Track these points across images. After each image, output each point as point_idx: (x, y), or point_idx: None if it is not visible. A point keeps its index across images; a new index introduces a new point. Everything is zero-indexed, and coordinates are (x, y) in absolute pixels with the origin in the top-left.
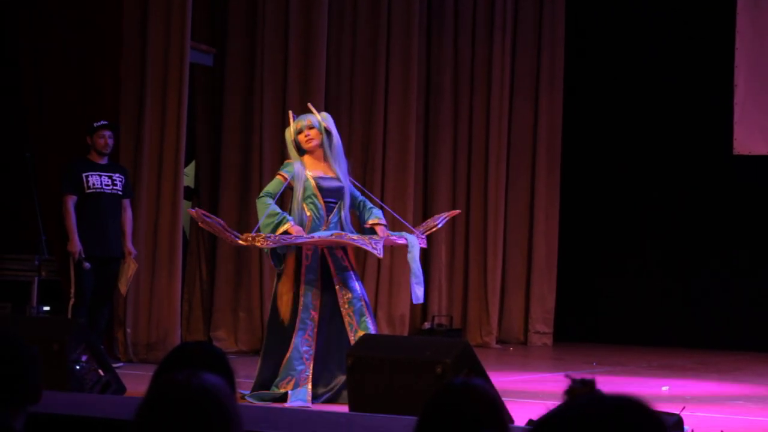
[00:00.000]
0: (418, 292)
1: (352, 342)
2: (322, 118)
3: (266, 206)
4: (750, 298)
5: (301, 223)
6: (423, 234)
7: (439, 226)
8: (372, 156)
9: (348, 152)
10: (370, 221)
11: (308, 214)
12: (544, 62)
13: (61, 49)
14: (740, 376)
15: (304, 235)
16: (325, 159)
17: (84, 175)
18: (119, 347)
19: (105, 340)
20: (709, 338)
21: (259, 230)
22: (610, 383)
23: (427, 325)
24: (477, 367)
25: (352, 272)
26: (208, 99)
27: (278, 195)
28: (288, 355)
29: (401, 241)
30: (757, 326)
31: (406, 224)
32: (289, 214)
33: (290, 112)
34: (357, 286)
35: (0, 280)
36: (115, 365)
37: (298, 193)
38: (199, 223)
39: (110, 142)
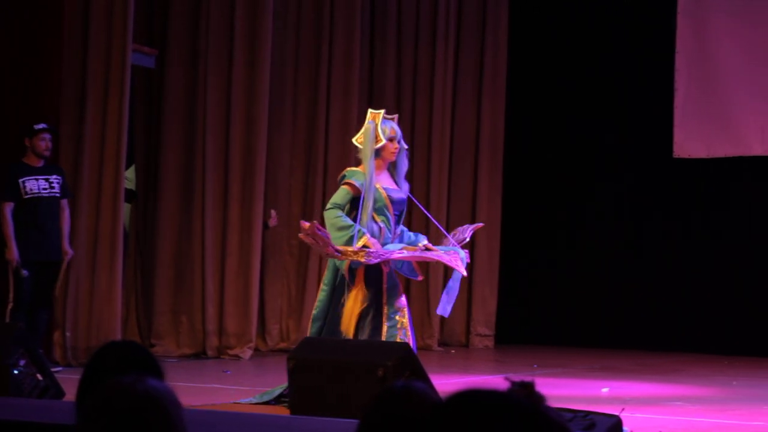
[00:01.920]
0: (448, 306)
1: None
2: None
3: (337, 218)
4: (690, 300)
5: (372, 236)
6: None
7: (468, 239)
8: (314, 158)
9: (291, 153)
10: (422, 244)
11: (380, 225)
12: (486, 65)
13: (0, 49)
14: (679, 377)
15: (399, 250)
16: (387, 171)
17: (21, 180)
18: (58, 351)
19: (44, 343)
20: (650, 340)
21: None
22: (550, 385)
23: None
24: (418, 370)
25: (400, 291)
26: (149, 101)
27: (345, 205)
28: None
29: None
30: (697, 328)
31: (448, 236)
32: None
33: (382, 111)
34: (402, 302)
35: None
36: (53, 369)
37: (369, 204)
38: (303, 235)
39: (50, 145)
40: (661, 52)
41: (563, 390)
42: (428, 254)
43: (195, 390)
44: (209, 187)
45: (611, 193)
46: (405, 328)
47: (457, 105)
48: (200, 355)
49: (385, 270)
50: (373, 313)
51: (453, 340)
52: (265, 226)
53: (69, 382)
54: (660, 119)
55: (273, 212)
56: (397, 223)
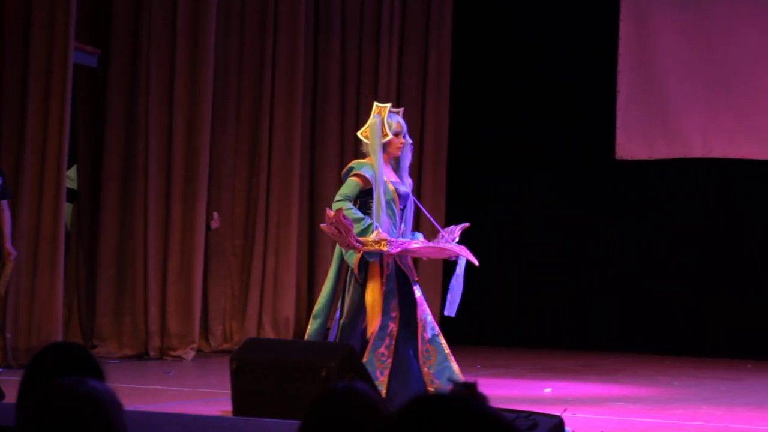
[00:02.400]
0: (454, 306)
1: (420, 351)
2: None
3: (348, 210)
4: (631, 301)
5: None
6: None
7: (457, 239)
8: (258, 157)
9: (234, 153)
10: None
11: (388, 220)
12: (430, 64)
13: None
14: (621, 377)
15: (418, 242)
16: (392, 164)
17: None
18: None
19: None
20: (592, 340)
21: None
22: (494, 386)
23: None
24: (362, 370)
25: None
26: (91, 100)
27: (354, 197)
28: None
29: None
30: (638, 328)
31: (441, 230)
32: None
33: (389, 105)
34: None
35: None
36: None
37: (381, 198)
38: (326, 225)
39: None
40: (604, 54)
41: (506, 390)
42: (445, 245)
43: (137, 391)
44: (152, 186)
45: (554, 194)
46: (392, 337)
47: (402, 103)
48: (143, 356)
49: (386, 272)
50: (406, 315)
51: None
52: (208, 227)
53: (9, 383)
54: (602, 121)
55: (215, 214)
56: (402, 217)
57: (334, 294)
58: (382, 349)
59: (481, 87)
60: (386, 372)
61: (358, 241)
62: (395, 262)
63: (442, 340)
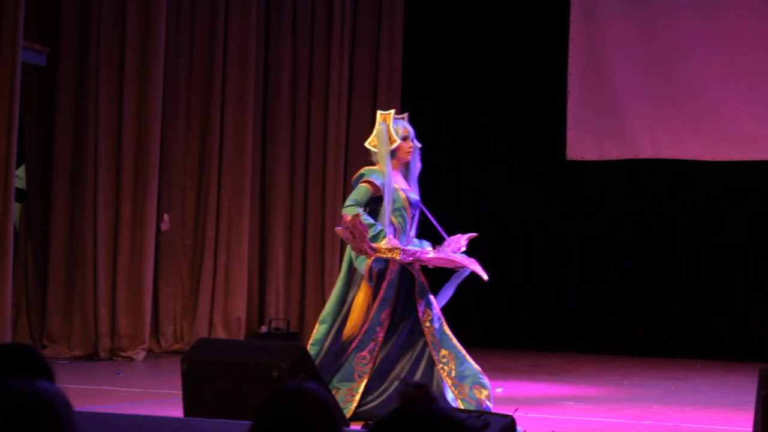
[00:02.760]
0: (443, 298)
1: (436, 360)
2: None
3: (357, 214)
4: (581, 301)
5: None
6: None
7: (463, 248)
8: (208, 156)
9: (185, 152)
10: (426, 248)
11: (396, 227)
12: (382, 64)
13: None
14: (571, 377)
15: (429, 251)
16: (403, 171)
17: None
18: None
19: None
20: (543, 340)
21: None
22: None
23: (264, 328)
24: (313, 371)
25: (429, 290)
26: (40, 99)
27: (365, 203)
28: (342, 368)
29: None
30: (588, 328)
31: (446, 237)
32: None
33: (392, 111)
34: (435, 304)
35: None
36: None
37: (388, 205)
38: (341, 229)
39: None
40: (555, 56)
41: None
42: (455, 256)
43: (87, 392)
44: (101, 185)
45: (504, 194)
46: (377, 343)
47: (353, 102)
48: (92, 356)
49: (387, 279)
50: (411, 322)
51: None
52: (158, 229)
53: None
54: (553, 122)
55: (166, 216)
56: (412, 224)
57: (343, 299)
58: (365, 353)
59: (432, 87)
60: (365, 376)
61: (371, 248)
62: (401, 271)
63: (455, 342)
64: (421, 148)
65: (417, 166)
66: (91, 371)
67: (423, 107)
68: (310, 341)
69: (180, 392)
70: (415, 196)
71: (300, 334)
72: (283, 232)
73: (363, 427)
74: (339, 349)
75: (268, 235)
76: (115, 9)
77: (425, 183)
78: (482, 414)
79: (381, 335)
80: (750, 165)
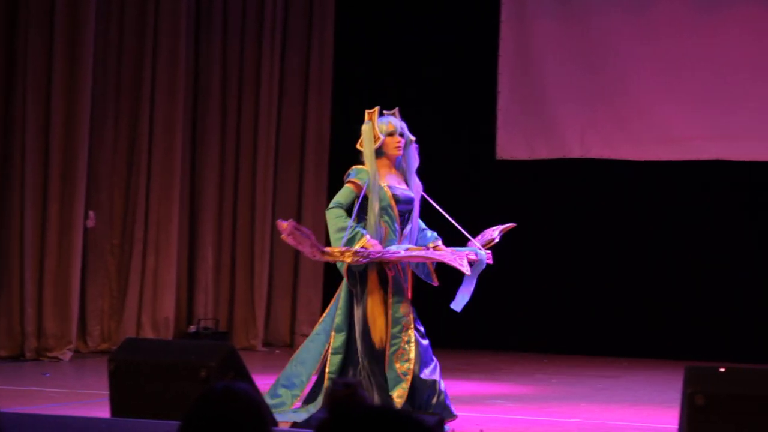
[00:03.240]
0: (463, 301)
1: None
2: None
3: (338, 218)
4: (509, 299)
5: (378, 238)
6: (487, 249)
7: (497, 240)
8: (137, 156)
9: (113, 152)
10: (431, 245)
11: (383, 226)
12: (313, 64)
13: None
14: (500, 375)
15: (394, 250)
16: (398, 166)
17: None
18: None
19: None
20: (472, 339)
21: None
22: None
23: (192, 328)
24: (242, 370)
25: (405, 293)
26: None
27: (348, 204)
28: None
29: (474, 257)
30: (516, 326)
31: (468, 236)
32: (365, 227)
33: (376, 108)
34: (404, 310)
35: None
36: None
37: (375, 205)
38: (284, 236)
39: None
40: (485, 55)
41: None
42: (430, 253)
43: (13, 393)
44: (28, 185)
45: (434, 193)
46: (410, 342)
47: (284, 104)
48: (18, 357)
49: (390, 274)
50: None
51: (277, 341)
52: (84, 226)
53: None
54: (484, 121)
55: (91, 213)
56: (404, 223)
57: (350, 302)
58: (400, 352)
59: (363, 87)
60: (408, 374)
61: (321, 251)
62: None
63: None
64: (401, 145)
65: (413, 160)
66: (17, 372)
67: (354, 108)
68: (330, 350)
69: (107, 393)
70: (408, 193)
71: (229, 334)
72: (212, 232)
73: (291, 426)
74: (376, 353)
75: (197, 235)
76: (43, 8)
77: None
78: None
79: (409, 330)
80: (679, 165)
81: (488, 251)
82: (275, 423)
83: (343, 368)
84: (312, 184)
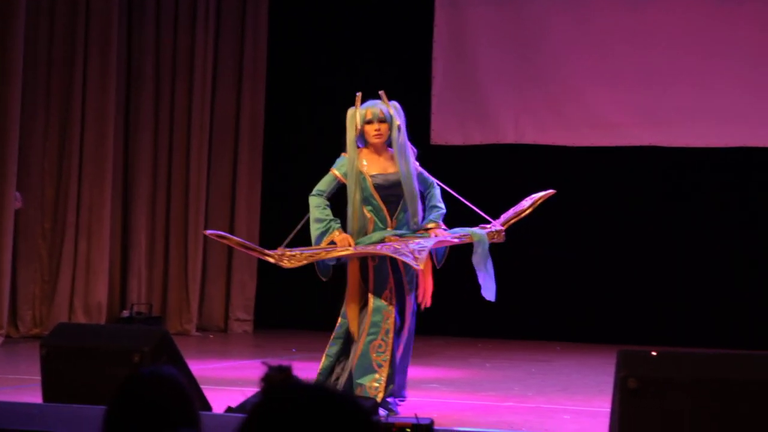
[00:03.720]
0: (491, 288)
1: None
2: (394, 112)
3: (315, 208)
4: (443, 284)
5: (362, 227)
6: (502, 225)
7: (527, 209)
8: (69, 140)
9: (44, 137)
10: (426, 225)
11: (369, 216)
12: (247, 49)
13: None
14: (434, 360)
15: (340, 247)
16: (386, 153)
17: None
18: None
19: None
20: None
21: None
22: (309, 369)
23: (125, 313)
24: (175, 355)
25: (388, 286)
26: None
27: (330, 192)
28: (355, 362)
29: (457, 241)
30: (451, 312)
31: (482, 214)
32: (348, 217)
33: (359, 94)
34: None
35: None
36: None
37: (355, 195)
38: (219, 239)
39: None
40: (420, 40)
41: None
42: (381, 248)
43: None
44: None
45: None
46: (390, 332)
47: (218, 89)
48: None
49: (371, 264)
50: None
51: (211, 325)
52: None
53: None
54: (419, 106)
55: (17, 194)
56: (396, 209)
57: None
58: (378, 342)
59: (297, 74)
60: (385, 365)
61: (245, 246)
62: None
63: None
64: (400, 125)
65: (398, 144)
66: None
67: (288, 95)
68: (333, 335)
69: (39, 378)
70: (392, 177)
71: (162, 319)
72: (145, 216)
73: (226, 410)
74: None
75: (130, 219)
76: None
77: (291, 169)
78: None
79: (390, 321)
80: (612, 150)
81: (502, 227)
82: (208, 407)
83: (339, 356)
84: (246, 170)
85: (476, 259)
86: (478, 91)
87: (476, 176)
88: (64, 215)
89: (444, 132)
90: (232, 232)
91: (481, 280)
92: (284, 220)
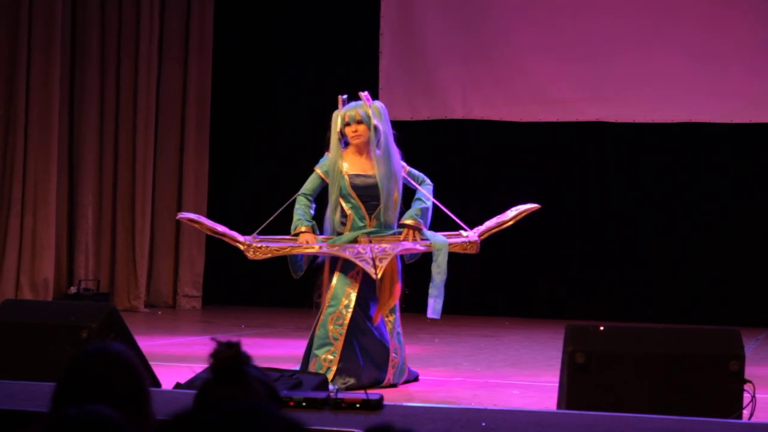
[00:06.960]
0: (436, 306)
1: (389, 341)
2: (373, 112)
3: (297, 205)
4: None
5: (340, 223)
6: (478, 236)
7: (509, 221)
8: (14, 117)
9: None
10: (403, 221)
11: (348, 212)
12: (193, 25)
13: None
14: None
15: (307, 243)
16: (369, 155)
17: None
18: None
19: None
20: None
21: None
22: (257, 345)
23: (73, 289)
24: (124, 331)
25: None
26: None
27: (316, 192)
28: (315, 332)
29: (422, 249)
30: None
31: (460, 223)
32: (327, 213)
33: (341, 97)
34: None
35: None
36: None
37: (334, 191)
38: (191, 224)
39: None
40: (367, 16)
41: (270, 350)
42: (344, 251)
43: None
44: None
45: (317, 156)
46: (349, 307)
47: (164, 64)
48: None
49: (342, 257)
50: (369, 298)
51: (160, 302)
52: None
53: None
54: (367, 82)
55: None
56: (375, 208)
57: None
58: (336, 315)
59: (243, 49)
60: (340, 338)
61: (215, 232)
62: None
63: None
64: (378, 127)
65: (382, 147)
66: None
67: (234, 70)
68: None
69: None
70: (369, 180)
71: (110, 295)
72: (92, 192)
73: (174, 387)
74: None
75: (76, 195)
76: None
77: (239, 149)
78: (294, 373)
79: (351, 302)
80: (559, 126)
81: (476, 237)
82: (157, 384)
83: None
84: (193, 144)
85: (434, 268)
86: (426, 66)
87: (425, 152)
88: (9, 190)
89: (392, 107)
90: (179, 207)
91: (430, 300)
92: (232, 195)
